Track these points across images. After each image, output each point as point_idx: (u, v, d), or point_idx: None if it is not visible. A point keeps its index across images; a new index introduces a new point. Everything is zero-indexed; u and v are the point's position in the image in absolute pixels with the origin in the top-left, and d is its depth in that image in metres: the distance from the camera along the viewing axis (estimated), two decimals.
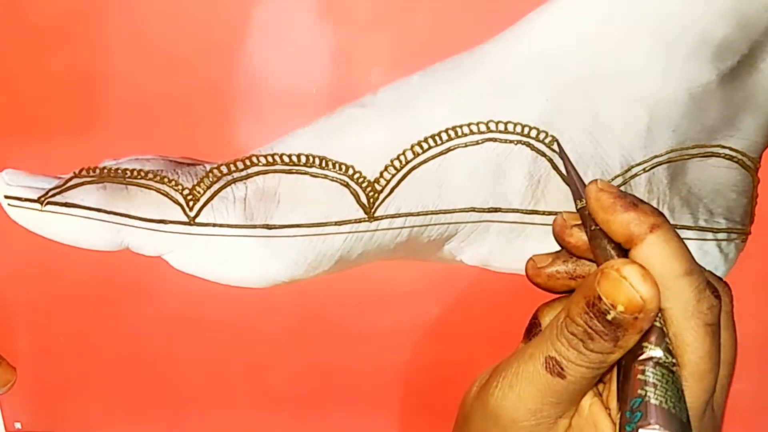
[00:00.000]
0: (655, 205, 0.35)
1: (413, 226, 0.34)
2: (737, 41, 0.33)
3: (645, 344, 0.27)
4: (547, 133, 0.34)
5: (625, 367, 0.27)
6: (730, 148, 0.35)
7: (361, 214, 0.34)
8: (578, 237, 0.31)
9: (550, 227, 0.35)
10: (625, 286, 0.26)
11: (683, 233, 0.36)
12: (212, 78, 0.35)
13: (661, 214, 0.28)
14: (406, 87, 0.35)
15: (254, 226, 0.34)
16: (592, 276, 0.27)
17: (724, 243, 0.36)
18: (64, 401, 0.42)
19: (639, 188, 0.35)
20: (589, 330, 0.26)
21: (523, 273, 0.36)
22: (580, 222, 0.31)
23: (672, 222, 0.35)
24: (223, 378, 0.41)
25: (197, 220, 0.34)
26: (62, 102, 0.35)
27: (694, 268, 0.27)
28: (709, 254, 0.36)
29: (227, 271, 0.35)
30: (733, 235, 0.36)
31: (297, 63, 0.35)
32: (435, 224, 0.35)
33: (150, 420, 0.43)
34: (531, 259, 0.33)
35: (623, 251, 0.29)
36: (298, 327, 0.40)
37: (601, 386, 0.30)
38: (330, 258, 0.35)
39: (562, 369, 0.27)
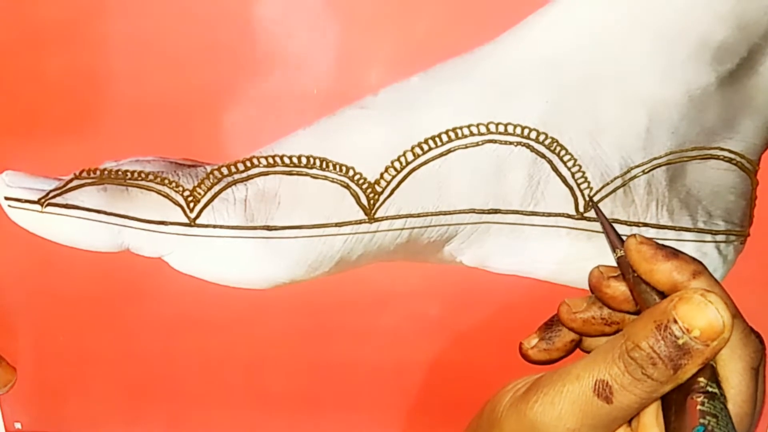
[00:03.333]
0: (654, 206, 0.35)
1: (413, 228, 0.35)
2: (736, 44, 0.33)
3: (700, 379, 0.27)
4: (546, 135, 0.34)
5: (677, 400, 0.27)
6: (729, 151, 0.35)
7: (362, 216, 0.34)
8: (615, 288, 0.31)
9: (550, 228, 0.35)
10: (709, 310, 0.26)
11: (682, 235, 0.36)
12: (213, 79, 0.35)
13: (701, 263, 0.29)
14: (407, 88, 0.35)
15: (255, 228, 0.34)
16: (665, 302, 0.27)
17: (723, 245, 0.36)
18: (64, 401, 0.43)
19: (638, 190, 0.35)
20: (653, 355, 0.26)
21: (522, 274, 0.36)
22: (616, 274, 0.31)
23: (671, 224, 0.35)
24: (222, 378, 0.41)
25: (198, 221, 0.34)
26: (63, 103, 0.35)
27: (737, 312, 0.28)
28: (708, 256, 0.36)
29: (227, 272, 0.35)
30: (732, 237, 0.36)
31: (298, 64, 0.35)
32: (435, 225, 0.35)
33: (149, 420, 0.43)
34: (566, 303, 0.33)
35: (664, 297, 0.29)
36: (297, 327, 0.40)
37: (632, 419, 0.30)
38: (330, 259, 0.35)
39: (611, 394, 0.27)
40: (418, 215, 0.34)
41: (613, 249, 0.32)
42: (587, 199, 0.34)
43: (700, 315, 0.26)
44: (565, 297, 0.33)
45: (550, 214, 0.35)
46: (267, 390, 0.41)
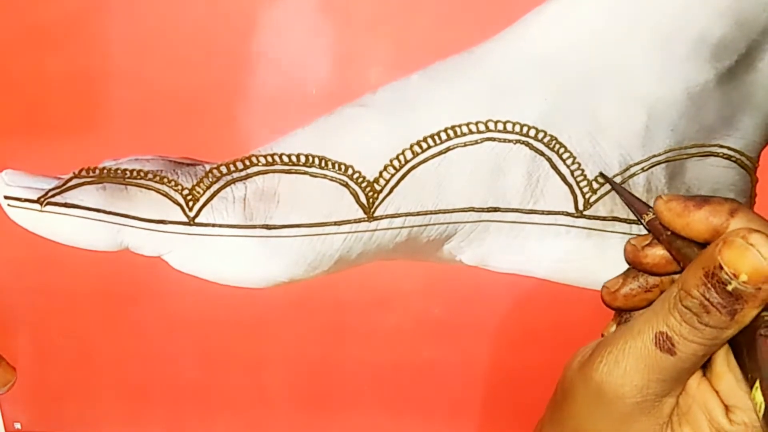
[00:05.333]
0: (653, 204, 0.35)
1: (412, 226, 0.35)
2: (735, 41, 0.33)
3: (764, 314, 0.26)
4: (545, 133, 0.34)
5: (746, 341, 0.26)
6: (729, 148, 0.35)
7: (361, 214, 0.34)
8: (653, 255, 0.31)
9: (550, 227, 0.35)
10: (751, 254, 0.25)
11: None
12: (212, 78, 0.35)
13: (735, 200, 0.28)
14: (406, 87, 0.35)
15: (254, 226, 0.34)
16: (711, 246, 0.26)
17: None
18: (63, 401, 0.43)
19: (638, 187, 0.35)
20: (706, 302, 0.26)
21: (522, 273, 0.36)
22: (648, 241, 0.32)
23: None
24: (222, 378, 0.41)
25: (197, 220, 0.34)
26: (62, 103, 0.35)
27: None
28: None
29: (227, 271, 0.35)
30: None
31: (297, 63, 0.35)
32: (434, 224, 0.35)
33: (149, 420, 0.43)
34: (604, 286, 0.33)
35: (703, 247, 0.29)
36: (297, 327, 0.40)
37: (705, 368, 0.29)
38: (329, 258, 0.35)
39: (672, 345, 0.26)
40: (417, 214, 0.34)
41: (640, 215, 0.32)
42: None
43: (744, 259, 0.25)
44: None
45: (549, 212, 0.34)
46: (267, 389, 0.41)
